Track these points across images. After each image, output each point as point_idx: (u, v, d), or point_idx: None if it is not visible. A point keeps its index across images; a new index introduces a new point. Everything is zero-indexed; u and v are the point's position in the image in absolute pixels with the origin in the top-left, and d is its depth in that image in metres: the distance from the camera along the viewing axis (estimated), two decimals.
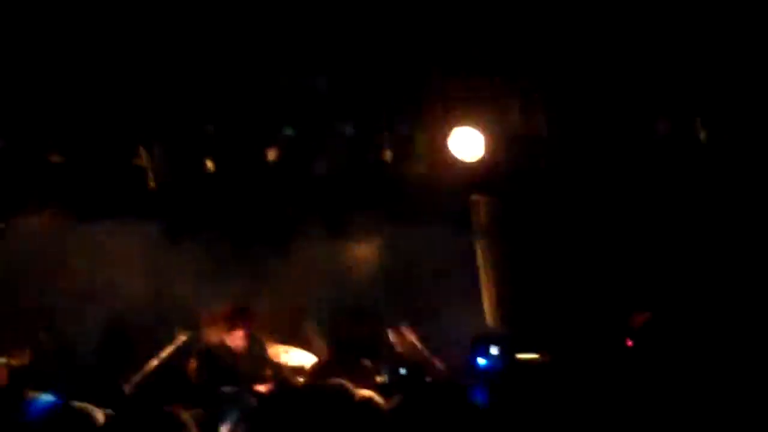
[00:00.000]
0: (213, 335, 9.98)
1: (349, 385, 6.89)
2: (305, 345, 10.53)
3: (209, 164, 9.31)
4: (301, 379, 9.63)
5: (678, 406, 6.22)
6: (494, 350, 9.58)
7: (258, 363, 9.88)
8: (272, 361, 10.10)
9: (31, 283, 10.81)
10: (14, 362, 9.62)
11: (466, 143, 8.18)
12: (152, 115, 8.88)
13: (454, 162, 8.27)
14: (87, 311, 10.81)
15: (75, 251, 10.94)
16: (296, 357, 10.31)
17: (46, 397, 6.46)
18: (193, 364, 9.62)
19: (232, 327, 9.81)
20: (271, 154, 9.19)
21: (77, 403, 5.62)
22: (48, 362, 10.02)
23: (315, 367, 10.05)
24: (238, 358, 9.79)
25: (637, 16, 7.09)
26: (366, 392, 7.34)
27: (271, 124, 9.02)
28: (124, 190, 10.10)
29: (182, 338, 10.34)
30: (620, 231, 7.86)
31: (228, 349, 9.80)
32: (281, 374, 9.95)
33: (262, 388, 9.18)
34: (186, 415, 5.45)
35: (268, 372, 9.93)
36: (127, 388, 9.62)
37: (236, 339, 9.81)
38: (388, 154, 8.58)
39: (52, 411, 5.76)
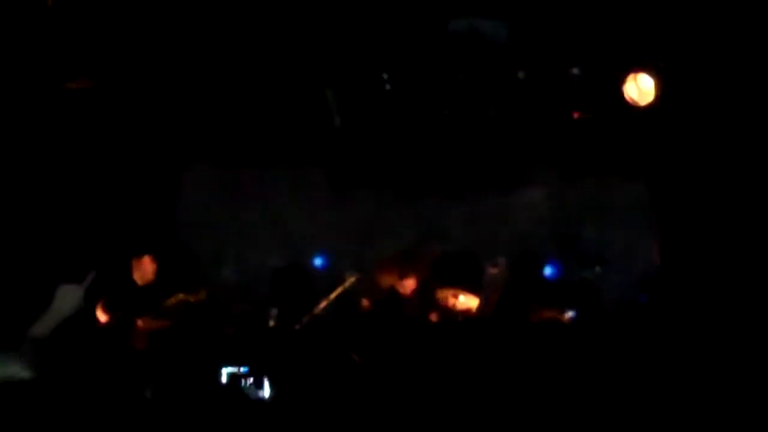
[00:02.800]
0: (384, 281, 10.20)
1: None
2: (473, 289, 10.65)
3: (381, 112, 9.46)
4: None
5: None
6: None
7: (425, 307, 10.05)
8: (440, 304, 10.26)
9: (206, 230, 11.28)
10: (191, 299, 10.05)
11: (641, 88, 8.12)
12: (326, 60, 9.07)
13: (628, 107, 8.21)
14: (257, 255, 11.22)
15: (247, 199, 11.38)
16: (464, 300, 10.44)
17: None
18: (365, 303, 9.88)
19: (403, 274, 10.02)
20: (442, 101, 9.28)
21: None
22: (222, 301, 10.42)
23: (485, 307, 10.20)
24: (405, 303, 9.99)
25: None
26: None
27: (445, 71, 9.10)
28: (291, 138, 10.40)
29: (351, 280, 10.62)
30: None
31: (397, 295, 10.01)
32: (449, 317, 10.11)
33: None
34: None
35: (435, 315, 10.10)
36: (297, 327, 9.96)
37: (407, 285, 10.01)
38: (560, 99, 8.57)
39: None
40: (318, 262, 11.63)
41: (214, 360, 6.78)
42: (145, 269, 9.84)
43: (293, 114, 9.74)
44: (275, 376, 7.08)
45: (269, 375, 7.09)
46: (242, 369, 6.96)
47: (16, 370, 4.54)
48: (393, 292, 9.97)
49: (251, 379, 6.94)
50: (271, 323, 10.33)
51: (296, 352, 7.64)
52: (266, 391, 6.94)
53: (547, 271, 10.82)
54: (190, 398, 5.78)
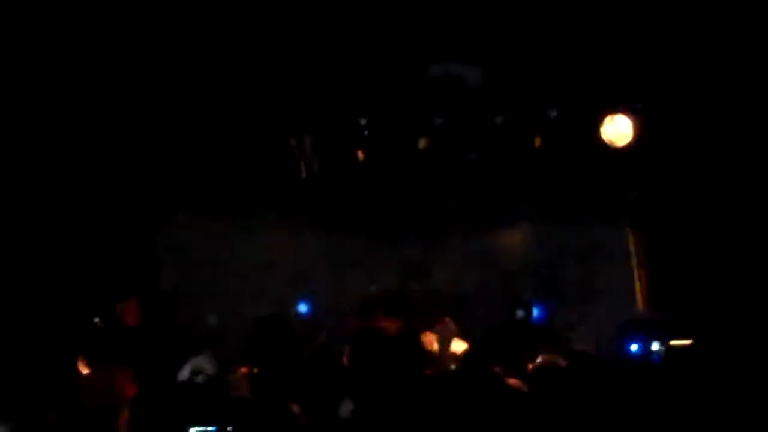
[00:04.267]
0: (368, 322, 10.11)
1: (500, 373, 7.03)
2: (456, 334, 10.59)
3: (360, 155, 9.44)
4: (453, 366, 9.72)
5: None
6: (655, 345, 9.42)
7: (410, 351, 9.98)
8: (425, 348, 10.19)
9: (187, 271, 11.24)
10: None
11: (619, 130, 8.12)
12: (305, 107, 9.07)
13: (605, 149, 8.21)
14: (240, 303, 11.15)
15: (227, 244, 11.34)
16: (456, 346, 10.37)
17: None
18: (347, 350, 9.78)
19: (387, 315, 9.93)
20: (422, 143, 9.27)
21: None
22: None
23: (467, 354, 10.12)
24: (390, 345, 9.91)
25: None
26: (515, 381, 7.48)
27: (422, 114, 9.10)
28: (275, 183, 10.37)
29: (326, 329, 10.53)
30: None
31: (382, 337, 9.92)
32: (434, 361, 10.03)
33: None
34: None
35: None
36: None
37: (391, 327, 9.92)
38: (538, 141, 8.56)
39: None
40: (302, 308, 11.55)
41: (182, 418, 6.67)
42: (130, 313, 9.74)
43: (274, 160, 9.74)
44: None
45: None
46: (210, 428, 6.82)
47: None
48: (377, 333, 9.90)
49: None
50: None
51: (271, 406, 7.50)
52: None
53: (534, 313, 10.76)
54: None
